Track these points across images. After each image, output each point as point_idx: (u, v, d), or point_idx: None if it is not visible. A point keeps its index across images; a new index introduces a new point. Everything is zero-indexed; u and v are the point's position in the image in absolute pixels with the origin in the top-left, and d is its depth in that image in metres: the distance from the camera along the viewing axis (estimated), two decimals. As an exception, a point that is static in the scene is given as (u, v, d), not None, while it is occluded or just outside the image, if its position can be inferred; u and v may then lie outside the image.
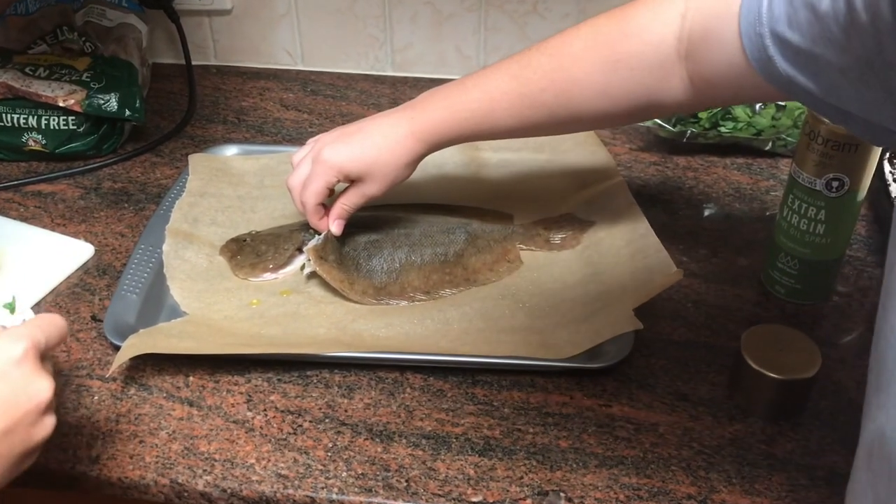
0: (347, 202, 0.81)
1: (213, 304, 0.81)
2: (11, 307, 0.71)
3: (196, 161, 0.98)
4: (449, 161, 0.97)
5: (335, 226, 0.82)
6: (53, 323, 0.58)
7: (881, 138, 0.57)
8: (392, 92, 1.19)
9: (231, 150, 1.03)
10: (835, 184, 0.74)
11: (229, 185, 0.96)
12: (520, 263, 0.86)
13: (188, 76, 1.18)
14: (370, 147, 0.78)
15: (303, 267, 0.85)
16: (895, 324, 0.40)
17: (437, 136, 0.78)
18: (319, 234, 0.83)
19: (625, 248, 0.84)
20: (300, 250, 0.86)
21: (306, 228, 0.85)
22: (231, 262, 0.86)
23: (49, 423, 0.55)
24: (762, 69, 0.60)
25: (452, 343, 0.77)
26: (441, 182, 0.95)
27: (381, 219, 0.84)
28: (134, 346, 0.73)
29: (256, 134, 1.10)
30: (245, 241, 0.88)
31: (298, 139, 1.09)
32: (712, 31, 0.64)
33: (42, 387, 0.54)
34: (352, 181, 0.80)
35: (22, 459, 0.54)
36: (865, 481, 0.42)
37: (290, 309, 0.81)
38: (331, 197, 0.82)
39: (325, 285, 0.83)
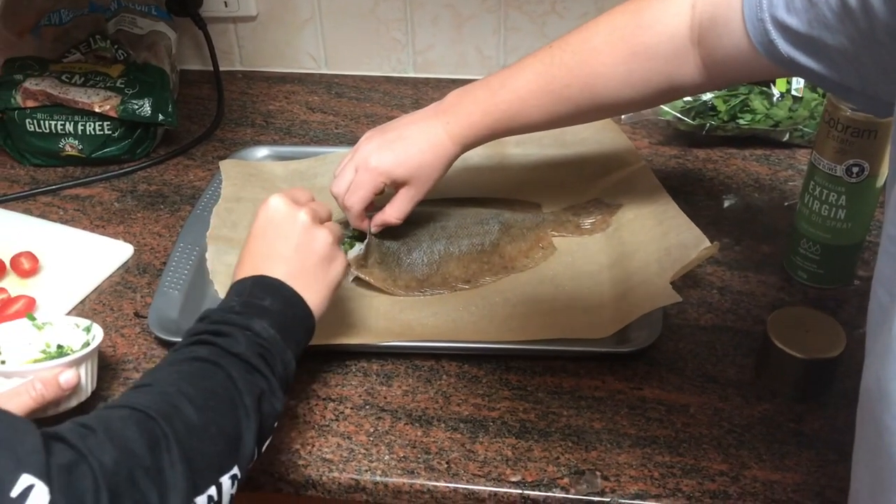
0: (398, 213, 0.83)
1: None
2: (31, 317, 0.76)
3: (227, 167, 1.01)
4: (474, 155, 1.00)
5: (375, 229, 0.85)
6: (324, 206, 0.75)
7: (883, 111, 0.60)
8: (414, 93, 1.22)
9: (262, 152, 1.06)
10: (855, 169, 0.77)
11: (263, 190, 0.99)
12: (553, 249, 0.89)
13: (216, 81, 1.21)
14: (415, 151, 0.81)
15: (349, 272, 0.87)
16: (879, 292, 0.43)
17: (472, 137, 0.81)
18: (357, 231, 0.86)
19: (657, 228, 0.87)
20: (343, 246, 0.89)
21: (346, 227, 0.88)
22: None
23: (340, 259, 0.73)
24: (766, 52, 0.64)
25: (499, 328, 0.80)
26: (468, 176, 0.98)
27: (416, 214, 0.86)
28: None
29: (284, 136, 1.13)
30: None
31: (325, 140, 1.12)
32: (720, 18, 0.68)
33: (321, 235, 0.71)
34: (397, 186, 0.82)
35: (332, 289, 0.72)
36: (860, 435, 0.45)
37: (338, 303, 0.83)
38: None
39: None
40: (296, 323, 0.67)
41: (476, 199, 0.95)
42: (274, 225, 0.70)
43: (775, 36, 0.63)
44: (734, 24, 0.66)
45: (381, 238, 0.86)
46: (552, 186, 0.98)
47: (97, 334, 0.74)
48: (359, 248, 0.85)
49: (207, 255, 0.88)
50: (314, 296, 0.69)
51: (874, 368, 0.41)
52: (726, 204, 0.97)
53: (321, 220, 0.73)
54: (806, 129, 1.03)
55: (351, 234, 0.88)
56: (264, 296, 0.65)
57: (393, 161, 0.81)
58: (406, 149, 0.81)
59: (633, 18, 0.74)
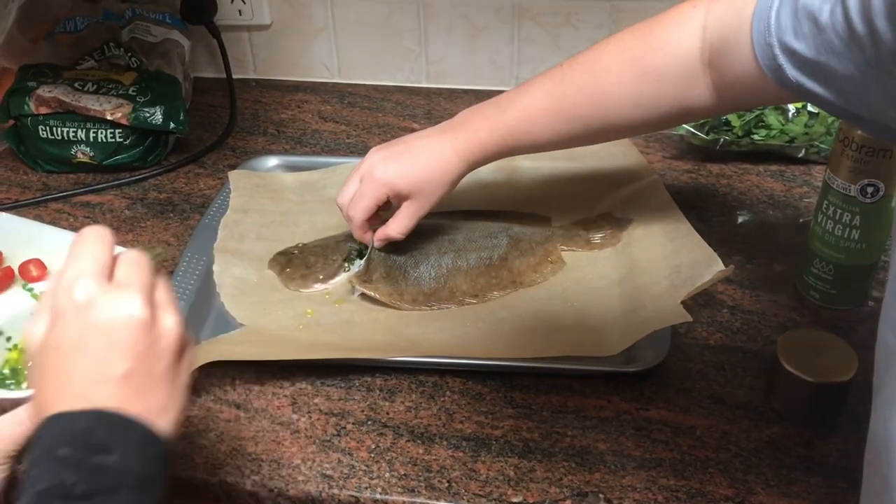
0: (401, 227, 0.83)
1: (267, 315, 0.83)
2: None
3: (236, 178, 1.00)
4: (484, 168, 0.99)
5: (378, 243, 0.85)
6: (139, 265, 0.53)
7: (893, 138, 0.59)
8: (427, 103, 1.21)
9: (272, 161, 1.06)
10: (869, 189, 0.75)
11: (271, 201, 0.99)
12: (563, 264, 0.88)
13: (229, 89, 1.21)
14: (420, 165, 0.80)
15: (353, 289, 0.86)
16: (885, 334, 0.42)
17: (479, 155, 0.81)
18: (363, 245, 0.86)
19: (668, 244, 0.85)
20: (349, 261, 0.88)
21: (353, 238, 0.87)
22: (281, 275, 0.88)
23: (190, 345, 0.54)
24: (774, 76, 0.64)
25: (506, 344, 0.79)
26: (477, 189, 0.97)
27: (424, 227, 0.86)
28: (202, 355, 0.75)
29: (296, 145, 1.13)
30: (294, 253, 0.90)
31: (336, 150, 1.12)
32: (730, 42, 0.67)
33: (168, 325, 0.52)
34: (400, 199, 0.82)
35: (186, 390, 0.54)
36: (868, 478, 0.44)
37: (345, 317, 0.83)
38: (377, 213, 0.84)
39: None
40: (154, 472, 0.50)
41: (485, 213, 0.95)
42: (98, 329, 0.50)
43: (783, 61, 0.62)
44: (743, 47, 0.65)
45: (388, 251, 0.86)
46: (562, 200, 0.97)
47: None
48: (358, 263, 0.85)
49: (214, 268, 0.87)
50: (170, 412, 0.52)
51: (880, 416, 0.40)
52: (740, 220, 0.96)
53: (151, 291, 0.52)
54: (822, 146, 1.01)
55: (358, 249, 0.88)
56: (109, 446, 0.48)
57: (398, 173, 0.80)
58: (412, 162, 0.80)
59: (644, 39, 0.73)
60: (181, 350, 0.53)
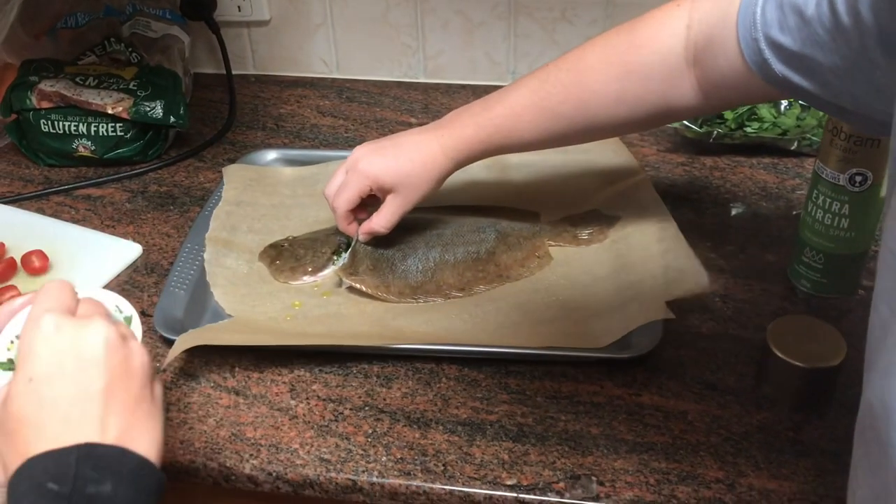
0: (385, 221, 0.84)
1: (256, 307, 0.84)
2: None
3: (230, 171, 1.02)
4: (474, 164, 1.01)
5: (363, 237, 0.86)
6: (95, 302, 0.57)
7: (877, 130, 0.60)
8: (424, 98, 1.22)
9: (271, 155, 1.07)
10: (858, 178, 0.76)
11: (263, 195, 1.00)
12: (550, 259, 0.89)
13: (229, 85, 1.23)
14: (405, 160, 0.81)
15: (340, 281, 0.87)
16: (881, 307, 0.43)
17: (465, 152, 0.82)
18: (351, 239, 0.87)
19: (655, 245, 0.87)
20: (337, 254, 0.89)
21: (339, 234, 0.88)
22: (271, 267, 0.89)
23: (159, 380, 0.56)
24: (760, 71, 0.64)
25: (491, 336, 0.80)
26: (468, 184, 0.98)
27: (413, 221, 0.87)
28: (187, 340, 0.76)
29: (294, 139, 1.14)
30: (283, 246, 0.92)
31: (335, 144, 1.13)
32: (715, 39, 0.68)
33: (135, 346, 0.54)
34: (384, 193, 0.83)
35: (163, 410, 0.54)
36: (860, 451, 0.44)
37: (332, 309, 0.84)
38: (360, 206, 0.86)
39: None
40: (150, 499, 0.49)
41: (474, 207, 0.96)
42: (68, 352, 0.50)
43: (769, 55, 0.63)
44: (729, 44, 0.66)
45: (376, 243, 0.87)
46: (551, 196, 0.98)
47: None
48: (343, 258, 0.86)
49: (205, 256, 0.89)
50: (152, 432, 0.51)
51: (877, 385, 0.41)
52: (733, 212, 0.97)
53: (114, 323, 0.54)
54: (814, 138, 1.02)
55: (347, 242, 0.89)
56: (101, 478, 0.47)
57: (382, 166, 0.82)
58: (396, 157, 0.82)
59: (628, 37, 0.74)
60: (153, 372, 0.54)
